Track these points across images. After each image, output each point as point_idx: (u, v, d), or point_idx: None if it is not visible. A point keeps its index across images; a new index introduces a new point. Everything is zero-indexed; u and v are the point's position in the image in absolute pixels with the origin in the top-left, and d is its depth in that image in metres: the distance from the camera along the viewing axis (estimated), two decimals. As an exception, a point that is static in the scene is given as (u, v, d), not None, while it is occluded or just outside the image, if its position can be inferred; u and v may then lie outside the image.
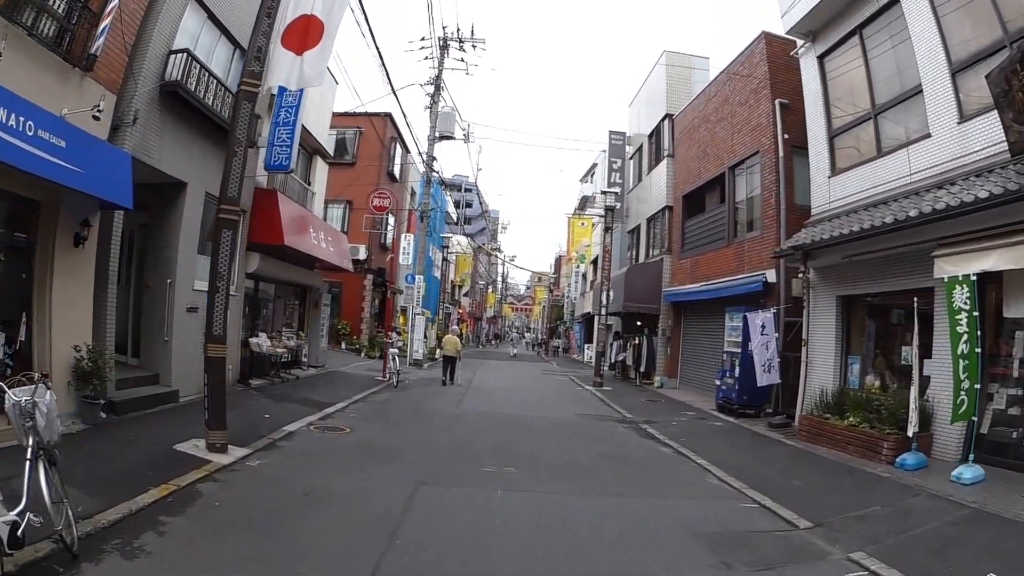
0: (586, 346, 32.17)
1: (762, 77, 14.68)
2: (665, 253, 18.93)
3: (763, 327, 11.83)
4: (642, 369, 18.60)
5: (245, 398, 10.90)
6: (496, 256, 52.32)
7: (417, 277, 21.69)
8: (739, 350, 12.74)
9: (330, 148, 26.04)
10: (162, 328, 9.66)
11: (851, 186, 10.67)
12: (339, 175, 23.77)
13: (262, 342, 13.05)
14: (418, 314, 21.38)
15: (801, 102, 12.74)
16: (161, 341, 9.69)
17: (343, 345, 23.01)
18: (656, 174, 21.02)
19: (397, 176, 26.71)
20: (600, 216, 22.83)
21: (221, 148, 11.13)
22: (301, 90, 12.49)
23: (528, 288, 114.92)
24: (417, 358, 21.30)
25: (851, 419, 8.85)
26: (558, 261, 62.67)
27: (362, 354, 22.49)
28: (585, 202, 46.51)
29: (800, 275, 11.52)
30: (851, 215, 10.11)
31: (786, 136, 13.90)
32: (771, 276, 13.25)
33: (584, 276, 37.29)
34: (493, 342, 54.09)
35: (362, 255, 23.76)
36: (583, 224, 22.43)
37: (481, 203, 61.37)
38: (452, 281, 30.37)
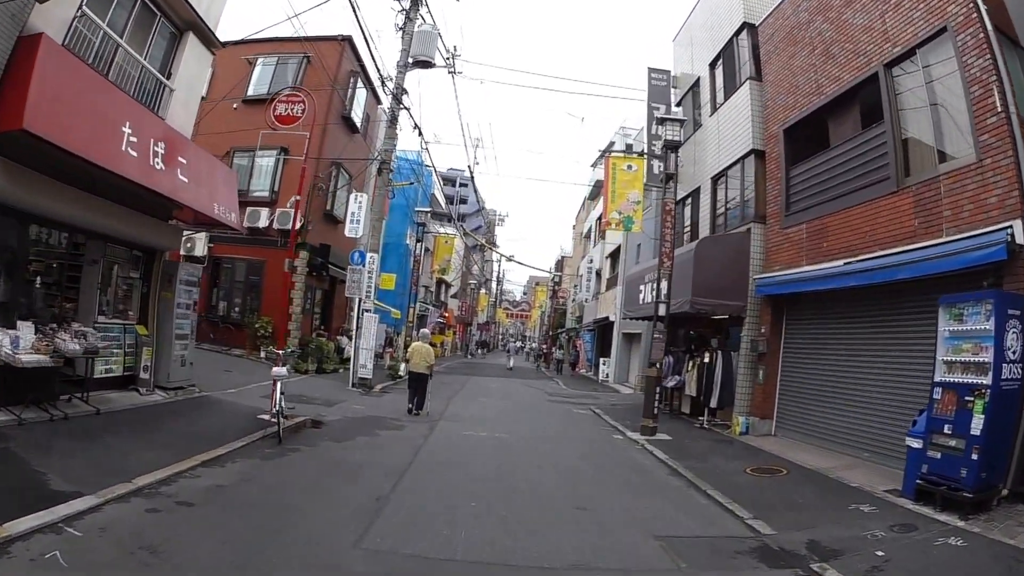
0: (602, 361, 25.49)
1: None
2: (754, 222, 12.36)
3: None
4: (712, 403, 11.94)
5: None
6: (491, 250, 45.58)
7: (370, 256, 15.06)
8: (985, 380, 6.21)
9: (263, 82, 19.68)
10: None
11: None
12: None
13: (8, 340, 6.42)
14: (368, 310, 14.73)
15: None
16: None
17: (262, 353, 16.30)
18: (727, 113, 14.53)
19: (358, 125, 20.13)
20: (657, 159, 15.83)
21: None
22: None
23: (524, 294, 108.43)
24: (364, 376, 14.61)
25: None
26: (560, 263, 56.23)
27: (286, 367, 15.78)
28: (599, 187, 40.15)
29: None
30: None
31: (985, 6, 7.86)
32: (1019, 232, 6.79)
33: (598, 274, 30.71)
34: (480, 351, 46.83)
35: (296, 223, 17.09)
36: (630, 167, 15.12)
37: (478, 199, 54.70)
38: (433, 272, 23.34)
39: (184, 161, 8.79)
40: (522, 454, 8.56)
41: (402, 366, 14.47)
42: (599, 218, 34.50)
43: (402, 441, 8.66)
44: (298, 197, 11.37)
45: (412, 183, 25.72)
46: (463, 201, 58.11)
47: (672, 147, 11.92)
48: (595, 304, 30.49)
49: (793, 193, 11.45)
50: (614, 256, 28.58)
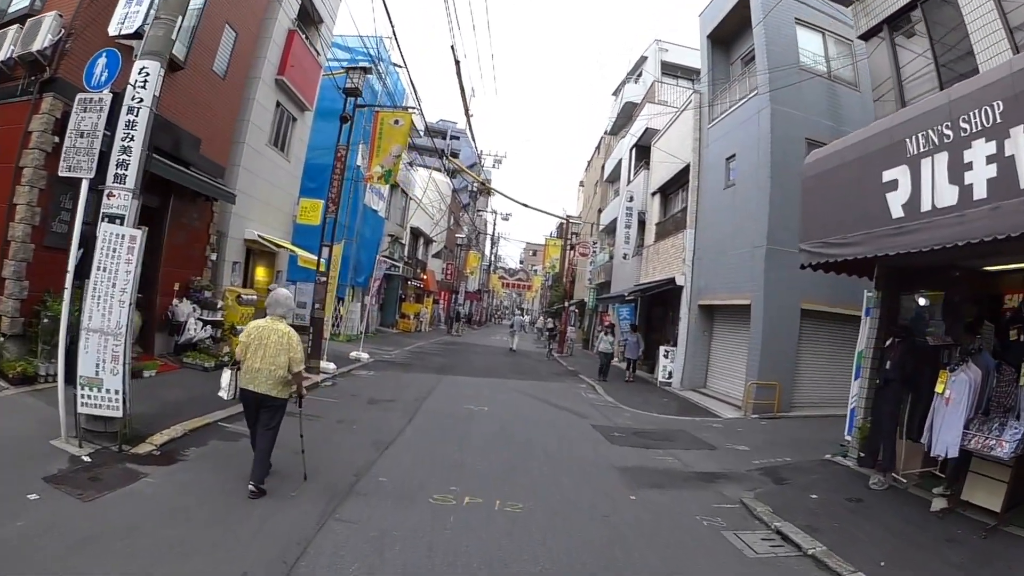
0: (662, 352, 16.11)
1: None
2: None
3: None
4: None
5: None
6: (488, 194, 35.74)
7: (142, 68, 5.55)
8: None
9: None
10: None
11: None
12: None
13: None
14: (116, 218, 5.30)
15: None
16: None
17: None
18: None
19: None
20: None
21: None
22: None
23: (521, 262, 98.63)
24: (106, 412, 5.26)
25: None
26: (564, 227, 46.23)
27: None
28: (630, 114, 30.56)
29: None
30: None
31: None
32: None
33: (641, 220, 21.34)
34: (457, 328, 35.77)
35: (43, 40, 7.69)
36: None
37: (476, 151, 44.34)
38: (369, 179, 12.65)
39: None
40: None
41: (225, 376, 5.28)
42: (633, 147, 25.02)
43: None
44: None
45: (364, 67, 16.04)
46: (455, 155, 48.35)
47: None
48: (636, 263, 21.17)
49: None
50: (668, 190, 19.24)
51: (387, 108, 13.52)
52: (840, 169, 7.16)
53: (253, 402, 4.94)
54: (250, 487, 4.72)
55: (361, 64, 11.22)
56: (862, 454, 7.97)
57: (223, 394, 5.34)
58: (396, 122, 11.97)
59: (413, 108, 13.30)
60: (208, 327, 9.93)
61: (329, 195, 10.47)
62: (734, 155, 14.43)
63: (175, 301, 9.74)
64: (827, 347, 13.13)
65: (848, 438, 8.75)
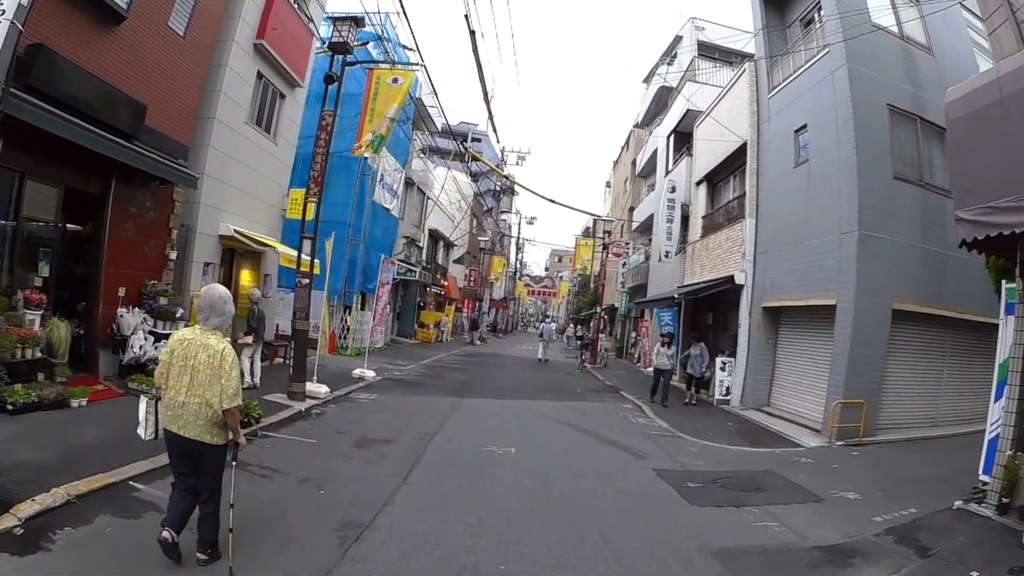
0: (719, 365, 13.70)
1: None
2: None
3: None
4: None
5: None
6: (511, 192, 33.63)
7: None
8: None
9: None
10: None
11: None
12: None
13: None
14: None
15: None
16: None
17: None
18: None
19: None
20: None
21: None
22: None
23: (547, 269, 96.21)
24: None
25: None
26: (591, 228, 43.92)
27: None
28: (665, 98, 28.26)
29: None
30: None
31: None
32: None
33: (684, 215, 19.02)
34: (478, 336, 33.93)
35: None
36: None
37: (498, 152, 42.34)
38: (357, 148, 10.48)
39: None
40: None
41: (141, 407, 3.47)
42: (672, 133, 22.74)
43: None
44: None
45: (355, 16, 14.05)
46: (476, 158, 46.28)
47: None
48: (679, 263, 18.86)
49: None
50: (717, 177, 16.95)
51: (383, 64, 11.44)
52: (998, 106, 5.00)
53: (180, 450, 3.54)
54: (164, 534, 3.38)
55: (355, 22, 9.21)
56: (1005, 500, 5.82)
57: (141, 432, 3.65)
58: (395, 80, 9.91)
59: (417, 64, 11.19)
60: (162, 342, 8.03)
61: (311, 173, 8.43)
62: (804, 126, 12.12)
63: (121, 311, 7.83)
64: (916, 356, 10.77)
65: (985, 478, 6.47)
